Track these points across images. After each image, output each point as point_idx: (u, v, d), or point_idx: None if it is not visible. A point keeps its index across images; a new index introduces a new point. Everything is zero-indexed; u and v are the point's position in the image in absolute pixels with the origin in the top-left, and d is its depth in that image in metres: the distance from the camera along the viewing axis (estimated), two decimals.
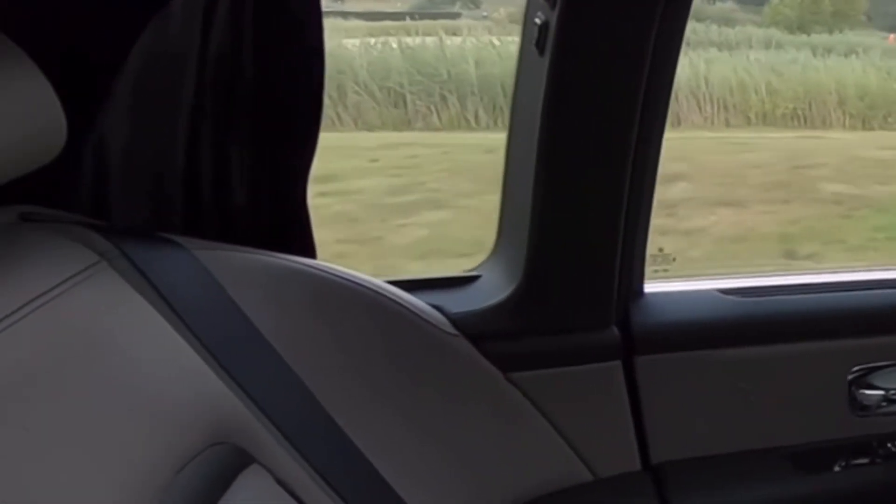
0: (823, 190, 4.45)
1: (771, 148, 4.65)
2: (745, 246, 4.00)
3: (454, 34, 4.63)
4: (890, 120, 4.73)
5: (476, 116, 4.27)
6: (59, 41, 1.09)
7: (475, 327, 1.36)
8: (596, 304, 1.44)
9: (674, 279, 1.64)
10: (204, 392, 1.05)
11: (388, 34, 4.54)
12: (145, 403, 0.97)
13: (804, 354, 1.55)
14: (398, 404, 1.28)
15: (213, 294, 1.12)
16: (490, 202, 1.54)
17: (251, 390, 1.09)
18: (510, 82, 1.43)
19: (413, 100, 4.24)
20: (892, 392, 1.59)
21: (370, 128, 4.21)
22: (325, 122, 1.25)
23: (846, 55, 4.91)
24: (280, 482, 1.06)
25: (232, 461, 1.02)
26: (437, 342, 1.32)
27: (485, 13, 4.87)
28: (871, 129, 4.72)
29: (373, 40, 4.44)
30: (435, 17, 4.86)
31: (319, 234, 1.31)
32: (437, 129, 4.30)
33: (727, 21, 5.28)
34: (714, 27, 5.15)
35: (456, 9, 4.93)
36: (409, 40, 4.42)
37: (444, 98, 4.27)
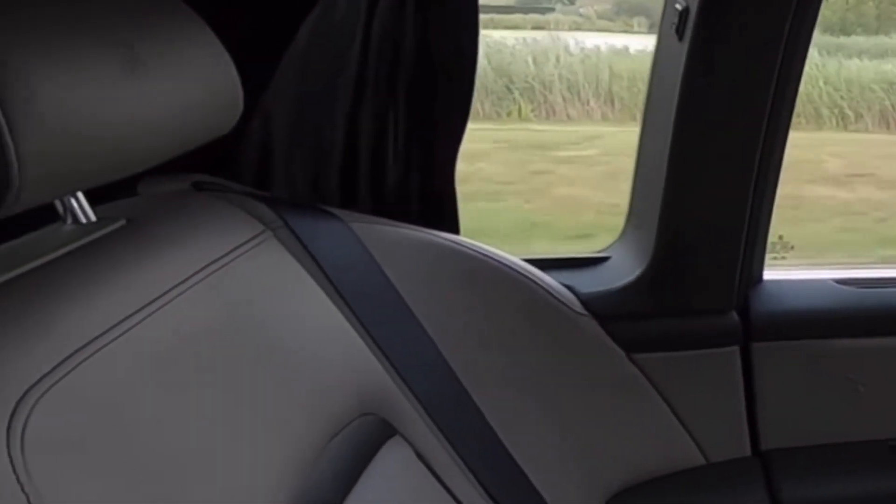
0: None
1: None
2: None
3: (540, 28, 4.58)
4: None
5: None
6: (237, 18, 1.13)
7: (603, 308, 1.40)
8: (719, 289, 1.47)
9: (791, 267, 1.66)
10: (355, 363, 1.10)
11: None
12: (301, 372, 1.02)
13: None
14: (529, 382, 1.32)
15: (367, 266, 1.17)
16: None
17: (398, 363, 1.14)
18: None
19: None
20: None
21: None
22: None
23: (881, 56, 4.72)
24: (419, 455, 1.11)
25: (378, 433, 1.07)
26: (569, 321, 1.36)
27: (581, 9, 4.79)
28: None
29: None
30: (526, 11, 4.79)
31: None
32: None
33: None
34: None
35: (552, 4, 4.86)
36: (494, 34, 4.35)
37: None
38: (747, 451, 1.50)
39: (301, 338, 1.05)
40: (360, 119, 1.23)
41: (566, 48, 4.30)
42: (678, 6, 1.35)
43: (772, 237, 1.56)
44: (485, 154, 3.96)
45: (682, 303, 1.46)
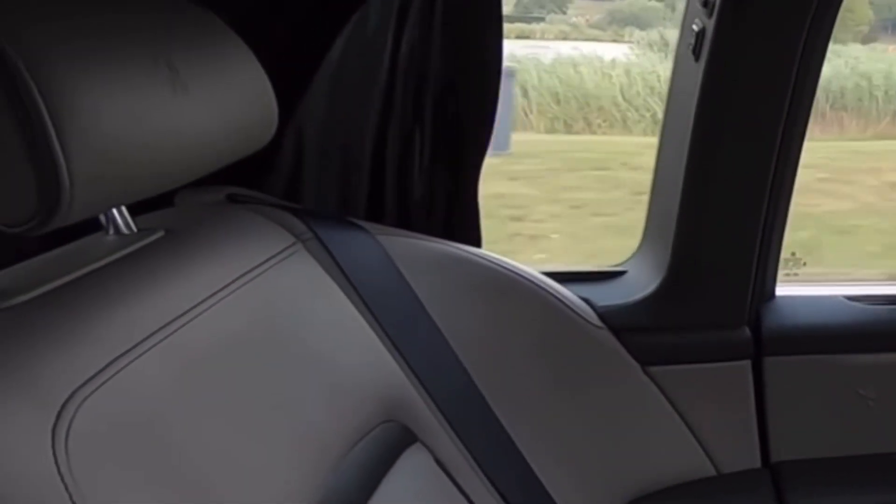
0: None
1: None
2: None
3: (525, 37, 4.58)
4: None
5: None
6: (272, 34, 1.17)
7: (619, 321, 1.43)
8: (732, 303, 1.50)
9: (802, 283, 1.68)
10: (379, 371, 1.13)
11: None
12: (328, 379, 1.05)
13: None
14: (546, 392, 1.35)
15: (392, 277, 1.20)
16: None
17: (420, 372, 1.17)
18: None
19: None
20: None
21: None
22: None
23: None
24: (439, 462, 1.14)
25: (399, 439, 1.10)
26: (585, 334, 1.39)
27: (573, 19, 4.79)
28: None
29: None
30: (512, 20, 4.78)
31: None
32: None
33: None
34: None
35: (544, 13, 4.84)
36: None
37: None
38: (758, 463, 1.52)
39: (329, 346, 1.09)
40: (388, 134, 1.27)
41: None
42: (695, 27, 1.39)
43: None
44: None
45: (696, 317, 1.49)
